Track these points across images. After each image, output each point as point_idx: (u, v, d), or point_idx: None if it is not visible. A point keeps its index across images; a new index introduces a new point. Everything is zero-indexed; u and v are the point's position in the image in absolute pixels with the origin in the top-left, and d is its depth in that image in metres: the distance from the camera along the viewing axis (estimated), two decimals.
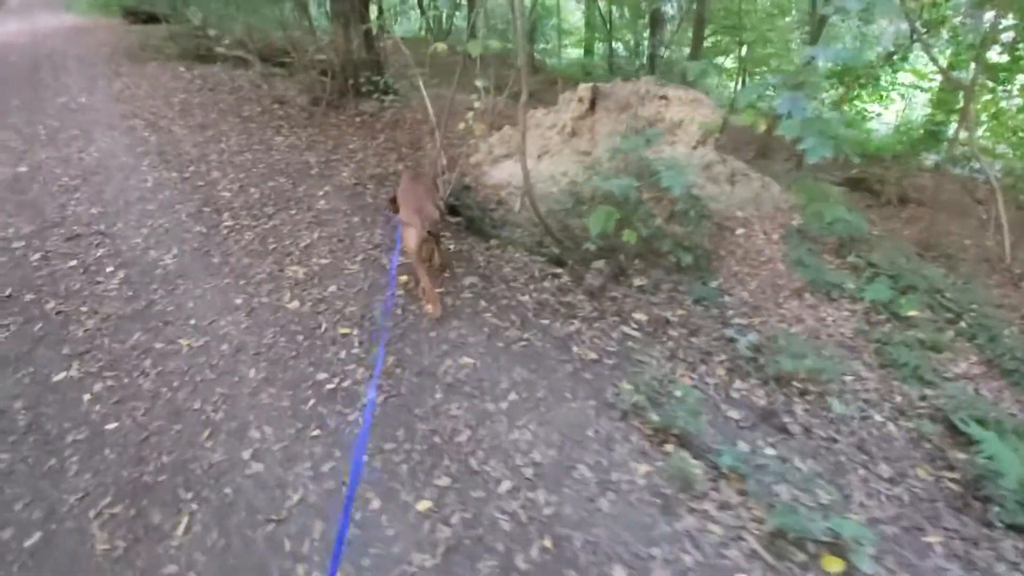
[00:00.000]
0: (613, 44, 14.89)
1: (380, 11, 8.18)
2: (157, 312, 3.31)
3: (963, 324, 4.01)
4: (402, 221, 3.19)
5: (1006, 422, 2.96)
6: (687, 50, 17.25)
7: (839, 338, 3.74)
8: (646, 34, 14.23)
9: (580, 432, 2.67)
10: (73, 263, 3.68)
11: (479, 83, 5.57)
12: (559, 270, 4.25)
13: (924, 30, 6.40)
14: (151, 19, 14.43)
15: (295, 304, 3.41)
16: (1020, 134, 7.46)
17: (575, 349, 3.25)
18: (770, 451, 2.73)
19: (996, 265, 4.97)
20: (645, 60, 15.40)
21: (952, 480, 2.69)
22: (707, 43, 12.50)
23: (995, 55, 6.67)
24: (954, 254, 5.08)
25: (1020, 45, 6.47)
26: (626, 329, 3.55)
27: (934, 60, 5.98)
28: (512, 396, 2.83)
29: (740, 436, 2.78)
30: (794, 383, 3.23)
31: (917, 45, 6.70)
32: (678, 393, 2.94)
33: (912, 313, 4.04)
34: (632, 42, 15.45)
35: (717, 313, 3.93)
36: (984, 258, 5.13)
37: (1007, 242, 5.00)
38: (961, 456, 2.80)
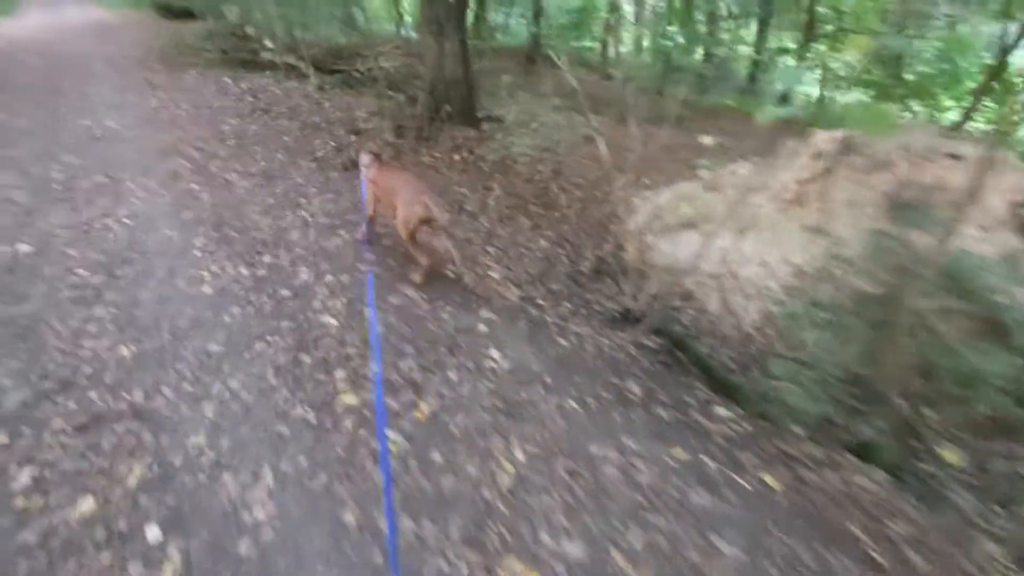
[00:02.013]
0: (665, 40, 12.83)
1: (479, 19, 6.29)
2: None
3: None
4: (402, 200, 2.94)
5: None
6: (744, 49, 15.14)
7: None
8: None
9: None
10: (89, 504, 1.90)
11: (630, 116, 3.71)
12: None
13: None
14: (186, 14, 12.54)
15: None
16: None
17: None
18: None
19: None
20: (701, 58, 13.41)
21: None
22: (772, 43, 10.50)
23: None
24: None
25: None
26: None
27: None
28: None
29: None
30: None
31: None
32: None
33: None
34: (684, 38, 13.41)
35: None
36: None
37: None
38: None
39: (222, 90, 6.75)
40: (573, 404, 2.25)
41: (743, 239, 3.95)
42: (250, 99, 6.48)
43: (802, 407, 2.69)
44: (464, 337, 2.59)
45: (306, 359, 2.45)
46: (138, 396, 2.29)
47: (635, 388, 2.42)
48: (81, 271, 3.14)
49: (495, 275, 3.16)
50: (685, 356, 3.19)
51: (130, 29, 11.10)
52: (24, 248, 3.39)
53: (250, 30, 10.26)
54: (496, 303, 2.90)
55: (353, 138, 5.32)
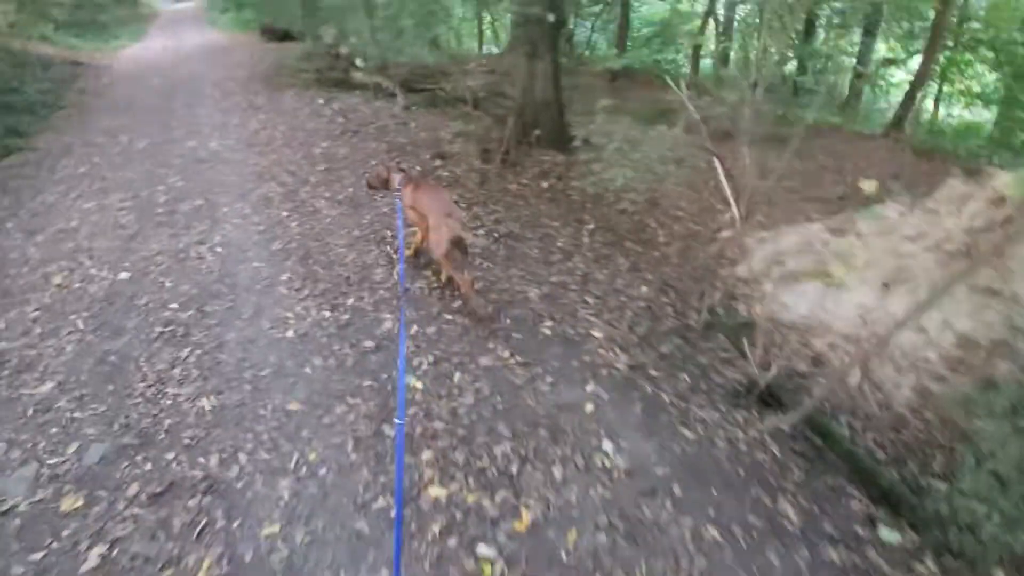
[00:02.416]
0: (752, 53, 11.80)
1: (570, 39, 5.95)
2: None
3: None
4: (431, 225, 2.81)
5: None
6: (847, 60, 13.62)
7: None
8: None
9: None
10: None
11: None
12: None
13: None
14: (287, 36, 13.25)
15: None
16: None
17: None
18: None
19: None
20: (794, 72, 12.19)
21: None
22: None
23: None
24: None
25: None
26: None
27: None
28: None
29: None
30: None
31: None
32: None
33: None
34: (774, 50, 12.24)
35: None
36: None
37: None
38: None
39: (315, 112, 6.85)
40: (714, 533, 1.77)
41: (889, 296, 3.26)
42: (341, 120, 6.50)
43: (1002, 540, 2.03)
44: (568, 417, 2.18)
45: (389, 432, 2.15)
46: (213, 462, 2.08)
47: (790, 511, 1.89)
48: (173, 305, 3.07)
49: (598, 333, 2.72)
50: (824, 442, 2.59)
51: (238, 51, 11.83)
52: (123, 275, 3.41)
53: (344, 51, 10.58)
54: (602, 371, 2.47)
55: (438, 162, 5.12)
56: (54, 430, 2.30)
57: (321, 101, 7.31)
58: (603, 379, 2.39)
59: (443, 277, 3.11)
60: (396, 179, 3.07)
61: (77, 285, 3.33)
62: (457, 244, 2.76)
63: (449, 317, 2.84)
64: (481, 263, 3.39)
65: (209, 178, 4.92)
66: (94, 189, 4.82)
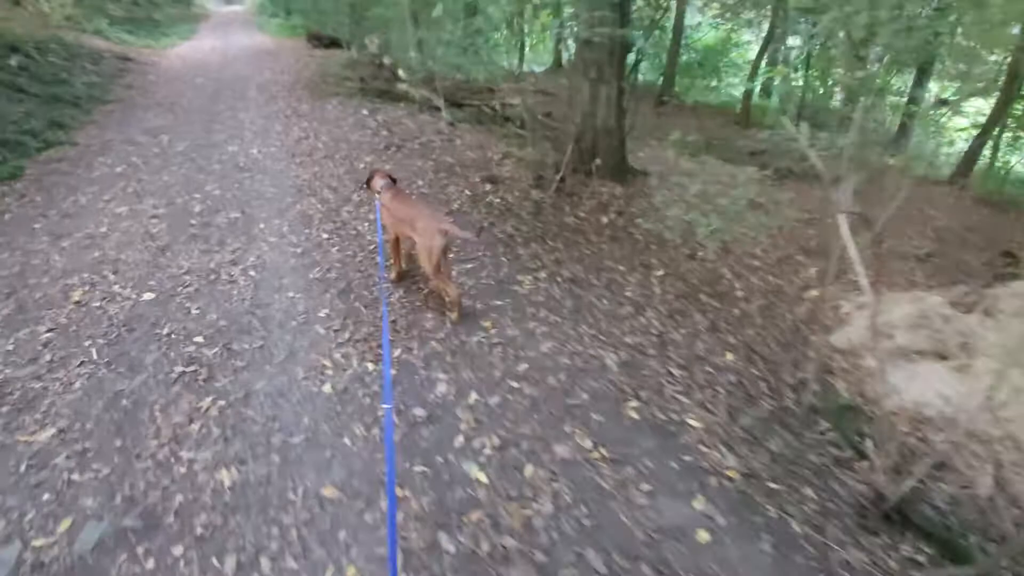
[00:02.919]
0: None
1: (637, 62, 5.48)
2: None
3: None
4: (419, 230, 2.72)
5: None
6: (896, 98, 12.94)
7: None
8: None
9: None
10: None
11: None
12: None
13: None
14: (333, 44, 13.15)
15: None
16: None
17: None
18: None
19: None
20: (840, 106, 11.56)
21: None
22: None
23: None
24: None
25: None
26: None
27: None
28: None
29: None
30: None
31: None
32: None
33: None
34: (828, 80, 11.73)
35: None
36: None
37: None
38: None
39: (359, 123, 6.53)
40: None
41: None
42: (385, 133, 6.17)
43: None
44: (674, 548, 1.68)
45: (448, 545, 1.69)
46: (229, 567, 1.65)
47: None
48: (198, 338, 2.67)
49: (694, 422, 2.23)
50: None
51: (284, 55, 11.72)
52: (148, 296, 3.03)
53: (388, 60, 10.37)
54: (711, 480, 1.96)
55: (488, 186, 4.71)
56: (47, 496, 1.90)
57: (365, 112, 7.00)
58: (714, 492, 1.89)
59: (431, 285, 3.01)
60: (379, 183, 3.06)
61: (97, 304, 2.97)
62: (445, 253, 2.73)
63: (515, 384, 2.38)
64: (547, 315, 2.93)
65: (247, 188, 4.59)
66: (128, 192, 4.52)
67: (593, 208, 4.53)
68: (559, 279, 3.31)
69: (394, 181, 3.11)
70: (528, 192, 4.67)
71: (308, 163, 5.12)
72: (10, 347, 2.64)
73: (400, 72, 9.36)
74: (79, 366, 2.51)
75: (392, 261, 3.15)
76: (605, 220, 4.36)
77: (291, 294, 3.05)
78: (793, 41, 11.15)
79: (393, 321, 2.79)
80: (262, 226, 3.88)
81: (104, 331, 2.76)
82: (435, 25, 7.37)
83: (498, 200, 4.46)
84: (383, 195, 2.97)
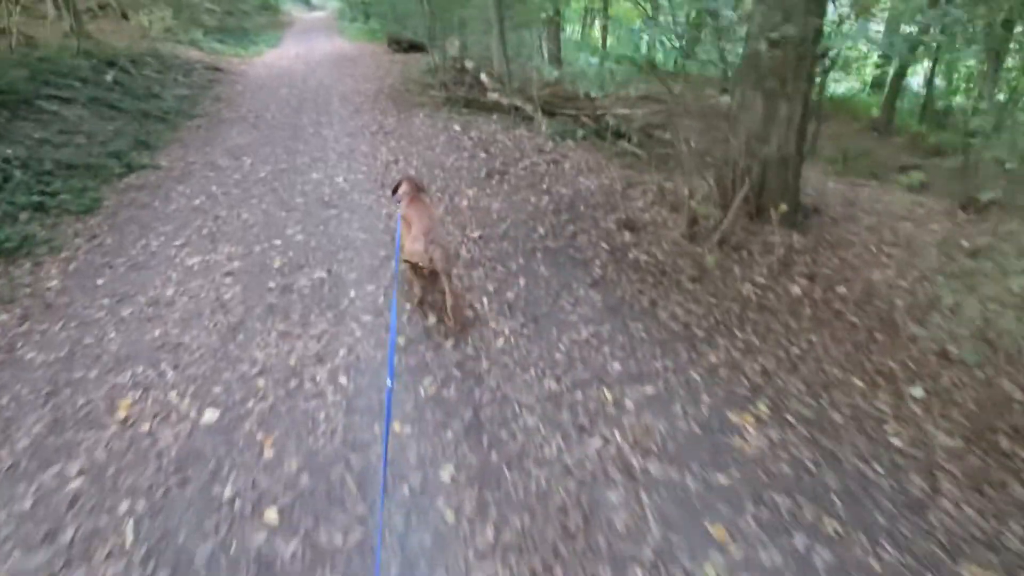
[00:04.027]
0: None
1: (828, 69, 4.12)
2: None
3: None
4: (411, 234, 2.54)
5: None
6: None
7: None
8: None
9: None
10: None
11: None
12: None
13: None
14: (413, 47, 12.39)
15: None
16: None
17: None
18: None
19: None
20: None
21: None
22: None
23: None
24: None
25: None
26: None
27: None
28: None
29: None
30: None
31: None
32: None
33: None
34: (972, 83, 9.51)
35: None
36: None
37: None
38: None
39: (452, 141, 5.56)
40: None
41: None
42: (483, 155, 5.15)
43: None
44: None
45: None
46: None
47: None
48: (271, 515, 1.74)
49: None
50: None
51: (365, 61, 11.06)
52: (209, 417, 2.16)
53: (469, 64, 9.42)
54: None
55: (628, 235, 3.54)
56: None
57: (457, 127, 6.03)
58: None
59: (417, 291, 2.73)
60: (403, 189, 2.81)
61: (145, 428, 2.13)
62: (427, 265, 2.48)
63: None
64: (810, 518, 1.75)
65: (333, 233, 3.71)
66: (203, 235, 3.78)
67: (771, 268, 3.26)
68: (789, 415, 2.10)
69: (420, 189, 2.84)
70: (679, 243, 3.47)
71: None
72: (27, 504, 1.84)
73: (483, 77, 8.37)
74: (106, 559, 1.65)
75: (408, 287, 2.76)
76: (797, 290, 3.08)
77: (398, 426, 2.07)
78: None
79: (563, 527, 1.72)
80: (352, 294, 2.96)
81: (149, 481, 1.89)
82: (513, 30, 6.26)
83: (645, 257, 3.29)
84: (402, 203, 2.74)
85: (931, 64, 9.15)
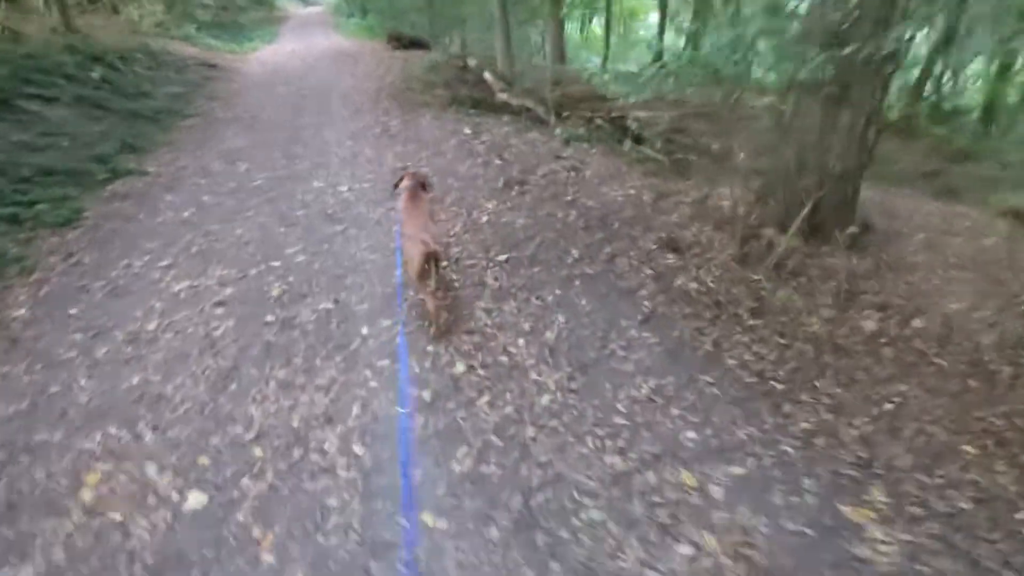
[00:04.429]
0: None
1: (891, 73, 3.72)
2: None
3: None
4: (406, 235, 2.52)
5: None
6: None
7: None
8: None
9: None
10: None
11: None
12: None
13: None
14: (413, 44, 11.88)
15: None
16: None
17: None
18: None
19: None
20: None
21: None
22: None
23: None
24: None
25: None
26: None
27: None
28: None
29: None
30: None
31: None
32: None
33: None
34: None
35: None
36: None
37: None
38: None
39: (463, 146, 5.11)
40: None
41: None
42: (498, 161, 4.71)
43: None
44: None
45: None
46: None
47: None
48: None
49: None
50: None
51: (365, 59, 10.53)
52: (195, 502, 1.73)
53: (471, 62, 8.96)
54: None
55: (671, 257, 3.12)
56: None
57: (467, 130, 5.57)
58: None
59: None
60: (405, 184, 2.73)
61: (116, 516, 1.70)
62: (429, 259, 2.34)
63: None
64: None
65: (339, 252, 3.27)
66: (192, 254, 3.33)
67: (836, 299, 2.85)
68: (911, 506, 1.69)
69: (423, 186, 2.74)
70: (729, 267, 3.05)
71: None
72: None
73: (487, 76, 7.92)
74: None
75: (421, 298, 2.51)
76: (870, 325, 2.67)
77: (431, 519, 1.64)
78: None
79: None
80: (364, 331, 2.53)
81: None
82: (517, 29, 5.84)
83: (695, 285, 2.87)
84: (401, 198, 2.69)
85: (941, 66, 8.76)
